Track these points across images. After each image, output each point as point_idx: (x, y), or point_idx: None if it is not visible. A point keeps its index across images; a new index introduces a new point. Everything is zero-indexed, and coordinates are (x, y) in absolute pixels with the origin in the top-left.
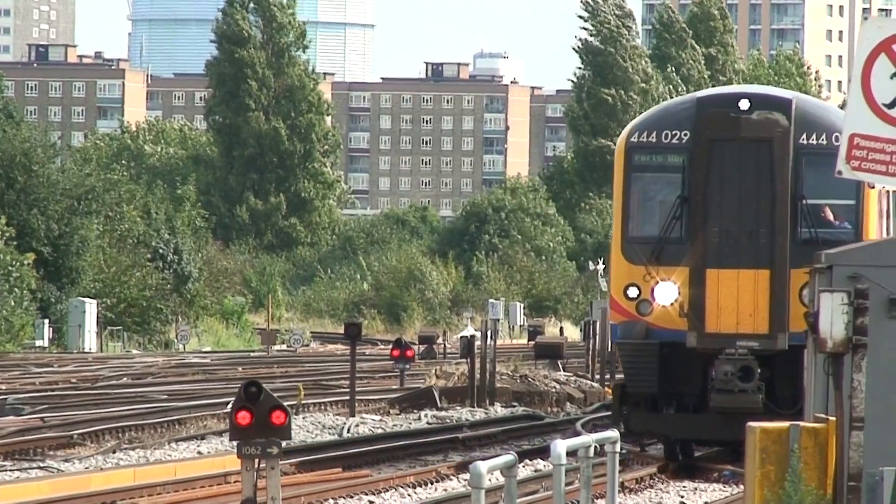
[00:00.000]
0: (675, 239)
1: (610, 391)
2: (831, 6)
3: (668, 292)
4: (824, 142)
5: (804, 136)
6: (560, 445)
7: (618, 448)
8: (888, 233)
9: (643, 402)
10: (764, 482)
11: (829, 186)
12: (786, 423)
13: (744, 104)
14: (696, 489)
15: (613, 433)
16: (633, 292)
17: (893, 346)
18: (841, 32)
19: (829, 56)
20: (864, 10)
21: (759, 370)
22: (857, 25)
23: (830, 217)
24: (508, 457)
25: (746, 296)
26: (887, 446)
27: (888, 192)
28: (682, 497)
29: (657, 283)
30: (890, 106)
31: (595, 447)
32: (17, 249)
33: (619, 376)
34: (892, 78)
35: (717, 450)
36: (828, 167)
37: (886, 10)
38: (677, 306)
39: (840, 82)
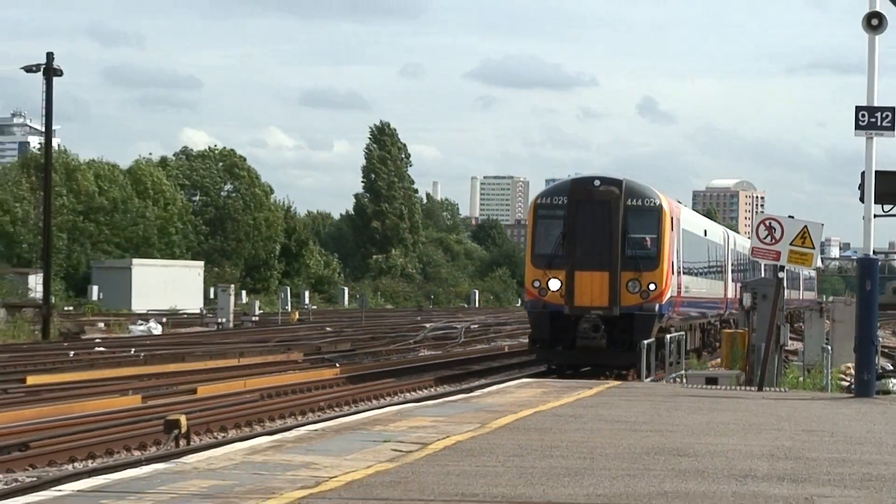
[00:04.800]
0: (560, 255)
1: None
2: (748, 211)
3: (555, 284)
4: (640, 203)
5: (629, 199)
6: None
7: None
8: (677, 254)
9: (543, 344)
10: (726, 347)
11: (642, 227)
12: (732, 330)
13: (596, 182)
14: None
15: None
16: (536, 284)
17: (764, 308)
18: (749, 219)
19: (747, 230)
20: (758, 211)
21: (603, 326)
22: (755, 217)
23: (643, 244)
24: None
25: (596, 286)
26: (762, 336)
27: (679, 232)
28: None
29: (549, 279)
30: (762, 239)
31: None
32: None
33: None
34: (763, 232)
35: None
36: (642, 217)
37: (763, 209)
38: (560, 291)
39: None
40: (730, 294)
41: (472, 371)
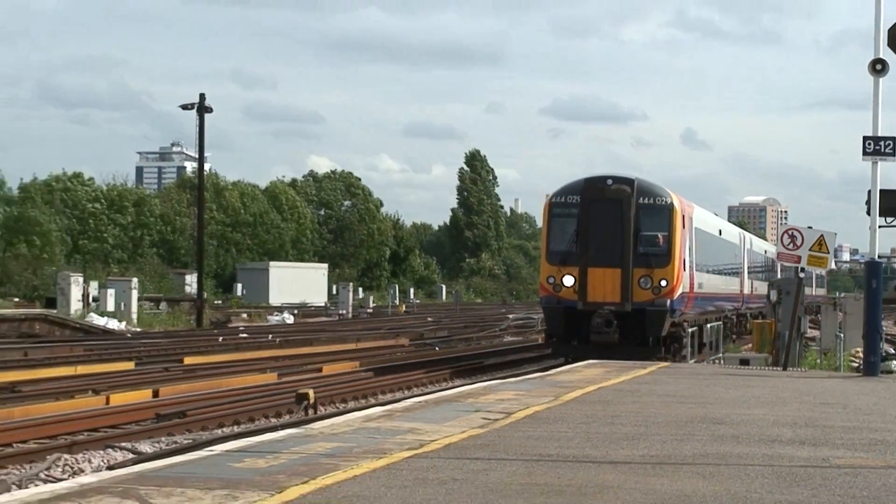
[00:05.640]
0: (573, 252)
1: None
2: (774, 222)
3: (569, 280)
4: (651, 201)
5: (641, 198)
6: None
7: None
8: (689, 252)
9: (558, 338)
10: (756, 335)
11: (653, 224)
12: (761, 320)
13: (608, 181)
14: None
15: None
16: (551, 280)
17: (788, 301)
18: (775, 230)
19: (773, 238)
20: (783, 223)
21: (615, 322)
22: (780, 227)
23: (654, 241)
24: None
25: (609, 282)
26: (786, 325)
27: (691, 230)
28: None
29: (564, 275)
30: (786, 246)
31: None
32: None
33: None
34: (787, 239)
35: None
36: (653, 214)
37: (786, 221)
38: (574, 288)
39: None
40: (745, 290)
41: (546, 354)
